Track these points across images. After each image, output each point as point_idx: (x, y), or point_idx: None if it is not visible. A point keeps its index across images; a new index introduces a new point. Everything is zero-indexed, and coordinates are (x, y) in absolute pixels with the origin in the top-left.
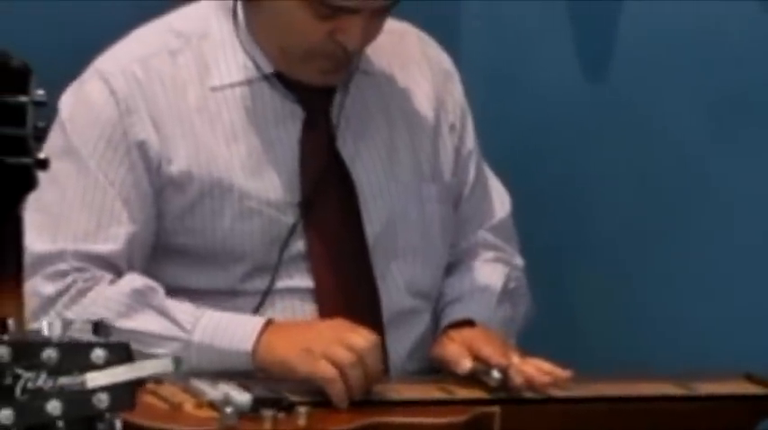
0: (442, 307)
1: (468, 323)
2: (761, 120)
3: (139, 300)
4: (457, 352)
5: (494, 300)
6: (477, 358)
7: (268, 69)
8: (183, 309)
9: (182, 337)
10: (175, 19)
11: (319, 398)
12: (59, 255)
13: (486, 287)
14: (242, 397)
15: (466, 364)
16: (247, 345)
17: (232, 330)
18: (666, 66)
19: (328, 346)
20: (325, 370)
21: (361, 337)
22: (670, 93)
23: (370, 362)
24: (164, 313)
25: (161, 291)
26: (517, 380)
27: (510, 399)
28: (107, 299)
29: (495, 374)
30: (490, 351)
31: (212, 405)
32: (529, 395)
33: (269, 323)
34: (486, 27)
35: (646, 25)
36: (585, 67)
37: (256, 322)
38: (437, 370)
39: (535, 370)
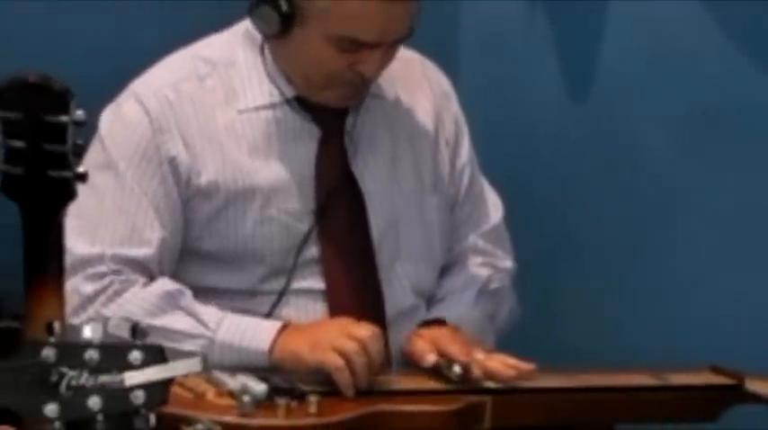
0: (430, 306)
1: (440, 322)
2: (726, 135)
3: (170, 301)
4: (422, 347)
5: (471, 299)
6: (441, 354)
7: (290, 94)
8: (208, 311)
9: (206, 335)
10: (203, 47)
11: (328, 388)
12: (99, 258)
13: (465, 288)
14: (259, 387)
15: (430, 358)
16: (265, 345)
17: (251, 331)
18: (641, 87)
19: (335, 339)
20: (333, 359)
21: (365, 329)
22: (644, 111)
23: (372, 351)
24: (191, 313)
25: (189, 293)
26: (476, 372)
27: (502, 390)
28: (141, 299)
29: (456, 369)
30: (454, 348)
31: (232, 394)
32: (491, 386)
33: (284, 326)
34: (481, 52)
35: (623, 52)
36: (569, 89)
37: (273, 325)
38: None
39: (500, 364)
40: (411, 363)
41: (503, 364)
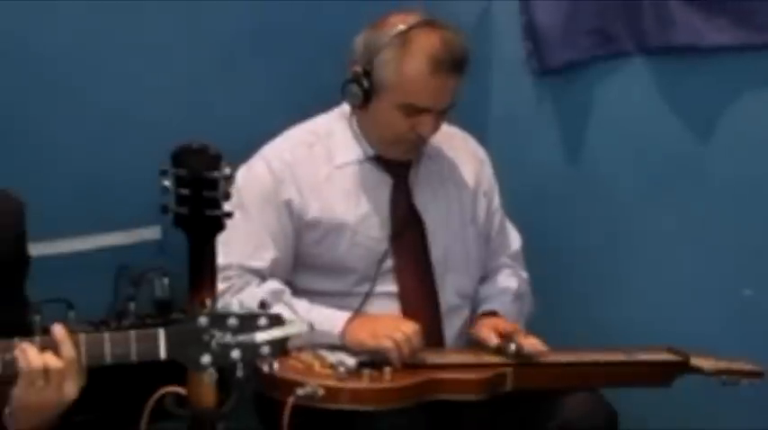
0: (477, 304)
1: (493, 313)
2: (686, 180)
3: (275, 296)
4: (487, 332)
5: (509, 300)
6: (500, 336)
7: (370, 153)
8: (301, 305)
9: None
10: (311, 124)
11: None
12: (228, 267)
13: (505, 291)
14: (350, 360)
15: (493, 340)
16: (337, 330)
17: (329, 321)
18: (617, 150)
19: (388, 330)
20: (387, 343)
21: (409, 324)
22: (620, 168)
23: (414, 340)
24: (289, 305)
25: (288, 291)
26: (526, 350)
27: (519, 363)
28: (255, 294)
29: (512, 347)
30: (509, 329)
31: (331, 366)
32: (534, 360)
33: (351, 318)
34: (504, 128)
35: (605, 127)
36: (564, 153)
37: (343, 316)
38: (475, 344)
39: (534, 344)
40: (478, 343)
41: (534, 345)
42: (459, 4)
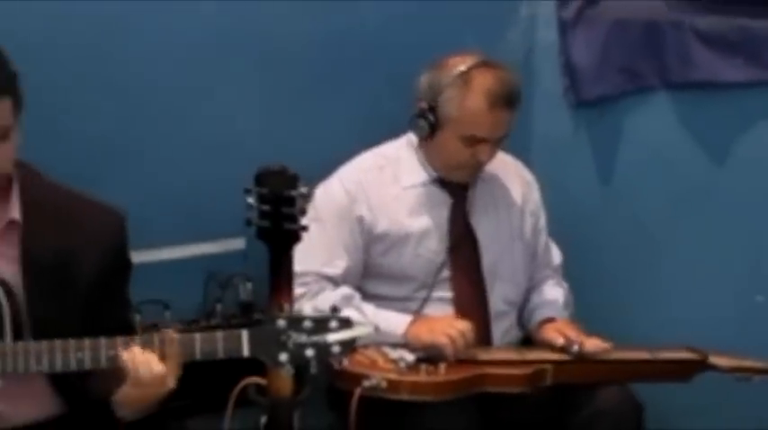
0: (531, 310)
1: (551, 320)
2: (704, 199)
3: (346, 300)
4: (552, 334)
5: (561, 307)
6: (564, 338)
7: (433, 176)
8: (368, 308)
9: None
10: (380, 150)
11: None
12: (306, 273)
13: (555, 301)
14: (409, 356)
15: (559, 340)
16: (401, 331)
17: (393, 323)
18: (644, 171)
19: (443, 327)
20: (443, 339)
21: (463, 323)
22: (646, 188)
23: (467, 336)
24: (359, 309)
25: (358, 296)
26: (590, 350)
27: (561, 361)
28: (328, 299)
29: (575, 347)
30: (572, 334)
31: (393, 361)
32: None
33: (413, 320)
34: (545, 153)
35: (634, 152)
36: (598, 175)
37: (405, 318)
38: (525, 342)
39: (594, 344)
40: (543, 344)
41: (595, 345)
42: (507, 46)
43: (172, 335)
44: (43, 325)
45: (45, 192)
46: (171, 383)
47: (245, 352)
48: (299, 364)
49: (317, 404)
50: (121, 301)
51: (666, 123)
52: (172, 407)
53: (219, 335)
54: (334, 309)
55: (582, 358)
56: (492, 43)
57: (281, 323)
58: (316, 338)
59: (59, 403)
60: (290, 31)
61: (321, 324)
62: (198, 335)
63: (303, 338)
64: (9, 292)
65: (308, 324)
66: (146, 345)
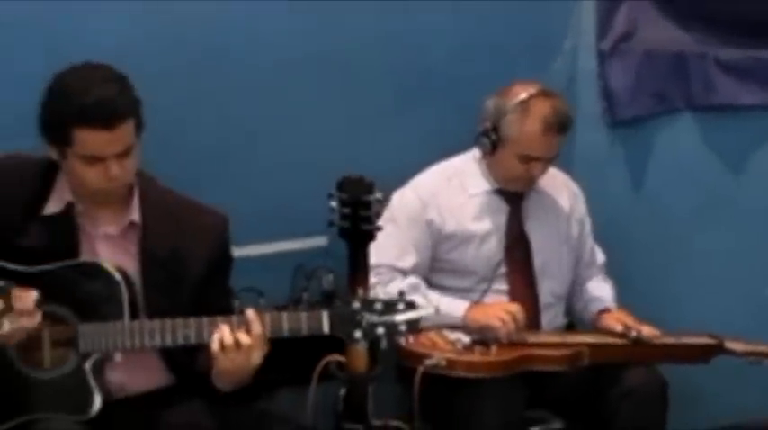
0: (585, 302)
1: (607, 310)
2: (725, 209)
3: (414, 288)
4: (613, 321)
5: (611, 300)
6: (623, 325)
7: (494, 186)
8: (433, 295)
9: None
10: (449, 162)
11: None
12: (380, 265)
13: (608, 293)
14: (465, 338)
15: (618, 327)
16: (460, 313)
17: (454, 308)
18: (673, 184)
19: (497, 311)
20: (496, 321)
21: (514, 306)
22: (674, 199)
23: (519, 318)
24: (423, 295)
25: (423, 284)
26: (647, 335)
27: (596, 344)
28: (398, 286)
29: (633, 333)
30: (630, 321)
31: (451, 342)
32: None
33: (470, 305)
34: (586, 167)
35: (663, 167)
36: (632, 188)
37: (464, 304)
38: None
39: (648, 331)
40: (604, 331)
41: (651, 330)
42: (553, 74)
43: (254, 314)
44: (157, 312)
45: (160, 197)
46: (257, 359)
47: (326, 329)
48: (372, 341)
49: (388, 379)
50: (224, 290)
51: (692, 141)
52: (263, 381)
53: (304, 314)
54: (401, 294)
55: (638, 342)
56: (540, 71)
57: (356, 305)
58: (385, 318)
59: (169, 375)
60: (371, 61)
61: (390, 306)
62: (285, 315)
63: (374, 318)
64: (128, 282)
65: (378, 306)
66: (239, 325)
